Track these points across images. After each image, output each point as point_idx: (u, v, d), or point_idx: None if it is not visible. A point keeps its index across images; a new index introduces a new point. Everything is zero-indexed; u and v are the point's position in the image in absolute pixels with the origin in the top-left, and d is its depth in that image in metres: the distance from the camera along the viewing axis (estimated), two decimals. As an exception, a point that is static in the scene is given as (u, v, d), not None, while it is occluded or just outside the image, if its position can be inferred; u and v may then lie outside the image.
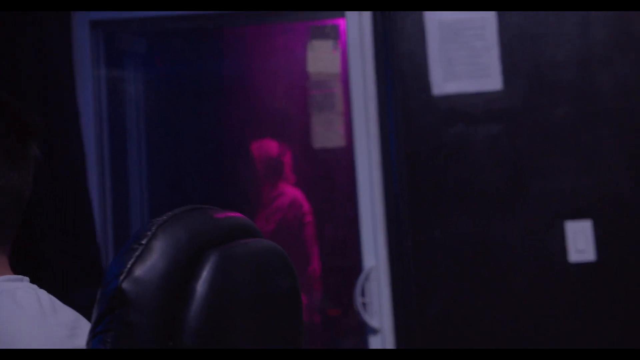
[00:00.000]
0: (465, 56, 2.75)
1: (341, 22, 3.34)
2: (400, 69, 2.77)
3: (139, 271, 0.77)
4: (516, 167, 2.71)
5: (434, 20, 2.77)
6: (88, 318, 1.09)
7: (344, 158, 4.27)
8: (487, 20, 2.76)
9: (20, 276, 1.12)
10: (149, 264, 0.77)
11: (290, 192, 4.53)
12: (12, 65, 2.49)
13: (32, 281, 1.14)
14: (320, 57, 3.25)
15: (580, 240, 2.66)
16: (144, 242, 0.79)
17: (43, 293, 1.10)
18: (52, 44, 2.61)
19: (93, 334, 0.77)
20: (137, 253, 0.78)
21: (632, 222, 2.67)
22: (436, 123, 2.74)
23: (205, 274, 0.79)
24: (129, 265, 0.77)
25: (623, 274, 2.65)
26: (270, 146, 4.52)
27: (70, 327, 1.06)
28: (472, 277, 2.69)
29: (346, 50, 2.90)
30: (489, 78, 2.74)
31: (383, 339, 2.74)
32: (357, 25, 2.87)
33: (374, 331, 2.75)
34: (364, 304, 2.76)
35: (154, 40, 3.91)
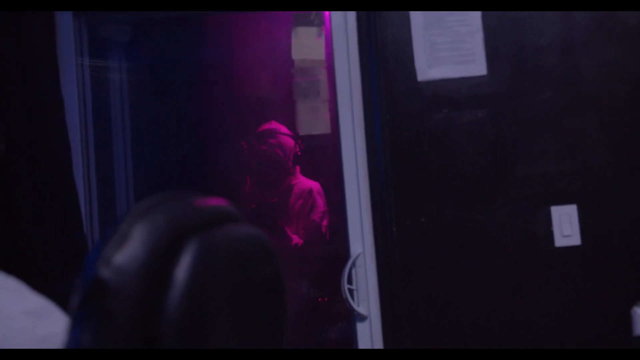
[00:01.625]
0: (449, 42, 2.75)
1: (325, 9, 3.32)
2: (384, 55, 2.76)
3: (119, 259, 0.76)
4: (501, 152, 2.71)
5: (418, 5, 2.76)
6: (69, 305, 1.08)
7: (330, 145, 4.27)
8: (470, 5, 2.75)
9: None
10: (129, 252, 0.77)
11: (303, 179, 4.51)
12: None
13: (17, 269, 1.12)
14: (305, 44, 3.24)
15: (565, 225, 2.67)
16: (123, 230, 0.79)
17: (10, 281, 1.09)
18: (35, 32, 2.59)
19: (72, 322, 0.77)
20: (116, 241, 0.78)
21: (617, 206, 2.68)
22: (421, 109, 2.74)
23: (185, 261, 0.79)
24: (108, 253, 0.77)
25: (608, 258, 2.67)
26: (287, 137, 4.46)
27: (34, 316, 1.05)
28: (458, 262, 2.69)
29: (330, 37, 2.89)
30: (473, 63, 2.74)
31: (370, 326, 2.74)
32: (342, 12, 2.86)
33: (362, 318, 2.76)
34: (351, 291, 2.76)
35: (137, 28, 3.89)
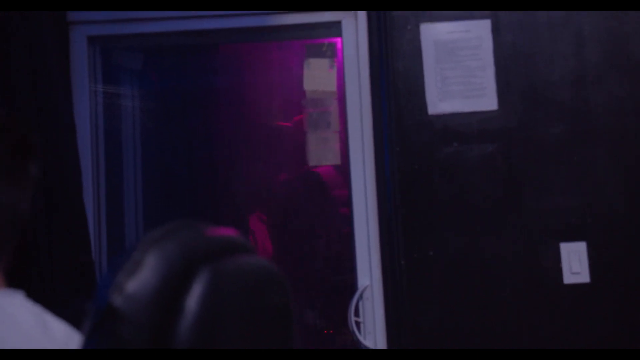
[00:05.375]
0: (460, 75, 2.76)
1: (338, 41, 3.35)
2: (395, 87, 2.77)
3: (131, 286, 0.77)
4: (510, 186, 2.71)
5: (430, 39, 2.78)
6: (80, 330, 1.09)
7: (339, 176, 4.28)
8: (482, 40, 2.77)
9: (15, 290, 1.11)
10: (141, 279, 0.77)
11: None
12: (9, 78, 2.50)
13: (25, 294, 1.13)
14: (317, 75, 3.26)
15: (574, 262, 2.66)
16: (135, 257, 0.79)
17: (37, 308, 1.10)
18: (50, 58, 2.62)
19: (84, 348, 0.77)
20: (129, 269, 0.78)
21: (627, 244, 2.67)
22: (431, 142, 2.75)
23: (196, 290, 0.79)
24: (120, 281, 0.77)
25: (618, 297, 2.65)
26: None
27: (62, 344, 1.06)
28: (466, 296, 2.68)
29: (342, 68, 2.91)
30: (484, 97, 2.75)
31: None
32: (354, 44, 2.88)
33: (367, 350, 2.74)
34: (357, 324, 2.75)
35: (150, 55, 3.92)
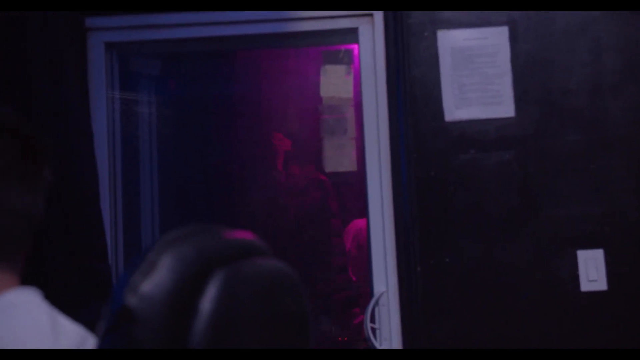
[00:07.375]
0: (477, 82, 2.75)
1: (354, 47, 3.35)
2: (412, 94, 2.77)
3: (146, 288, 0.77)
4: (527, 193, 2.70)
5: (447, 46, 2.77)
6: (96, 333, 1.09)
7: (355, 182, 4.28)
8: (499, 47, 2.76)
9: (32, 288, 1.12)
10: (156, 281, 0.77)
11: None
12: (27, 84, 2.51)
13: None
14: (333, 82, 3.26)
15: (591, 270, 2.64)
16: (151, 259, 0.79)
17: (52, 310, 1.10)
18: (67, 64, 2.63)
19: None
20: (144, 270, 0.78)
21: (644, 252, 2.66)
22: (447, 149, 2.74)
23: (211, 292, 0.79)
24: (136, 282, 0.77)
25: (635, 304, 2.63)
26: None
27: (75, 345, 1.06)
28: (482, 303, 2.67)
29: (359, 75, 2.91)
30: (501, 105, 2.74)
31: (391, 365, 2.72)
32: (371, 50, 2.88)
33: (383, 357, 2.73)
34: (373, 330, 2.75)
35: (168, 62, 3.94)
